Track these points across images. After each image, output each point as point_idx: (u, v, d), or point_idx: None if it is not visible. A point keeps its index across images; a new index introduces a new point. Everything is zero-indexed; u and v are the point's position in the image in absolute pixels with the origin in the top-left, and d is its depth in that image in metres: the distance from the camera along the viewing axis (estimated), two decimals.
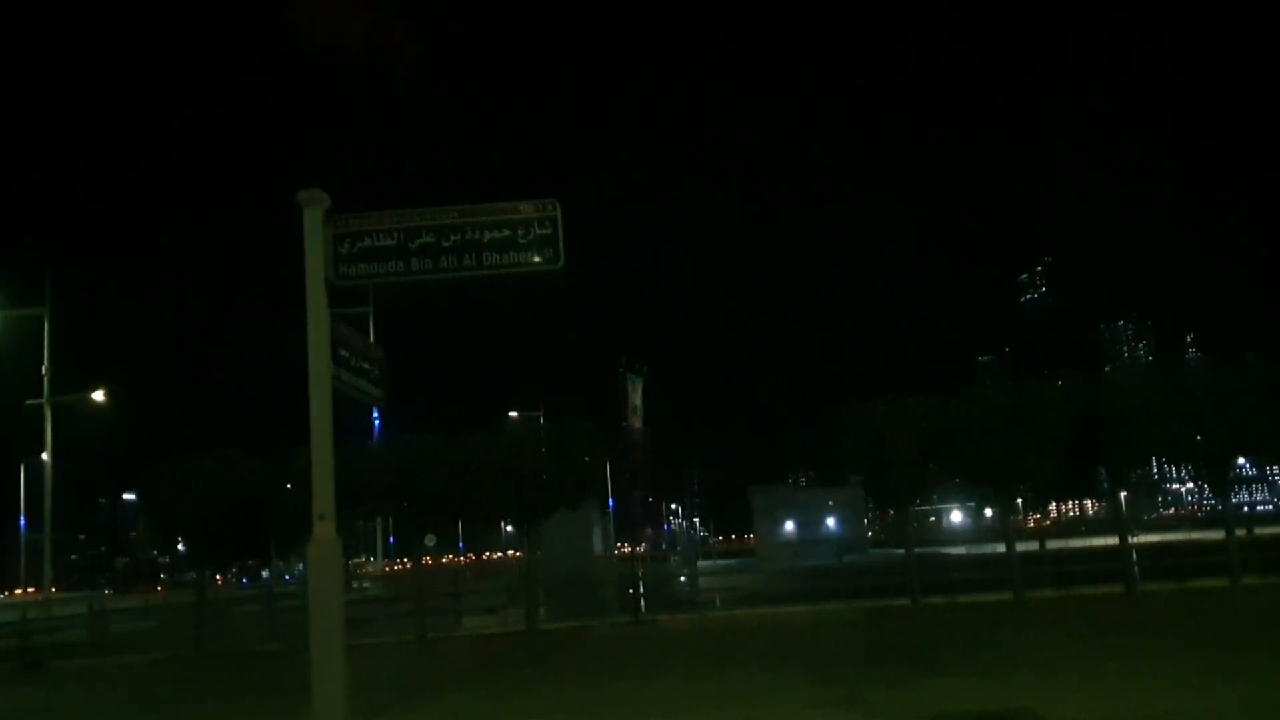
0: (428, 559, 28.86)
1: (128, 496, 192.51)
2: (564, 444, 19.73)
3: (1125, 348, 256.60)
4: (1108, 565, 19.10)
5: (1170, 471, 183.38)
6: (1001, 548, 19.26)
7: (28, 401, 34.58)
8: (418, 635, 19.17)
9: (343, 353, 10.81)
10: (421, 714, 10.70)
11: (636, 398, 27.56)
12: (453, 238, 10.72)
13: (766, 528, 64.13)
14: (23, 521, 50.99)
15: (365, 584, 42.28)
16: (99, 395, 36.76)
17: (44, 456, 34.97)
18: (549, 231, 10.70)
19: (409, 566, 42.49)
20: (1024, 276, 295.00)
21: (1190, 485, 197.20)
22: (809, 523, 62.33)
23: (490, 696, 11.64)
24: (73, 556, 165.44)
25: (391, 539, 44.81)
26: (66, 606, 35.56)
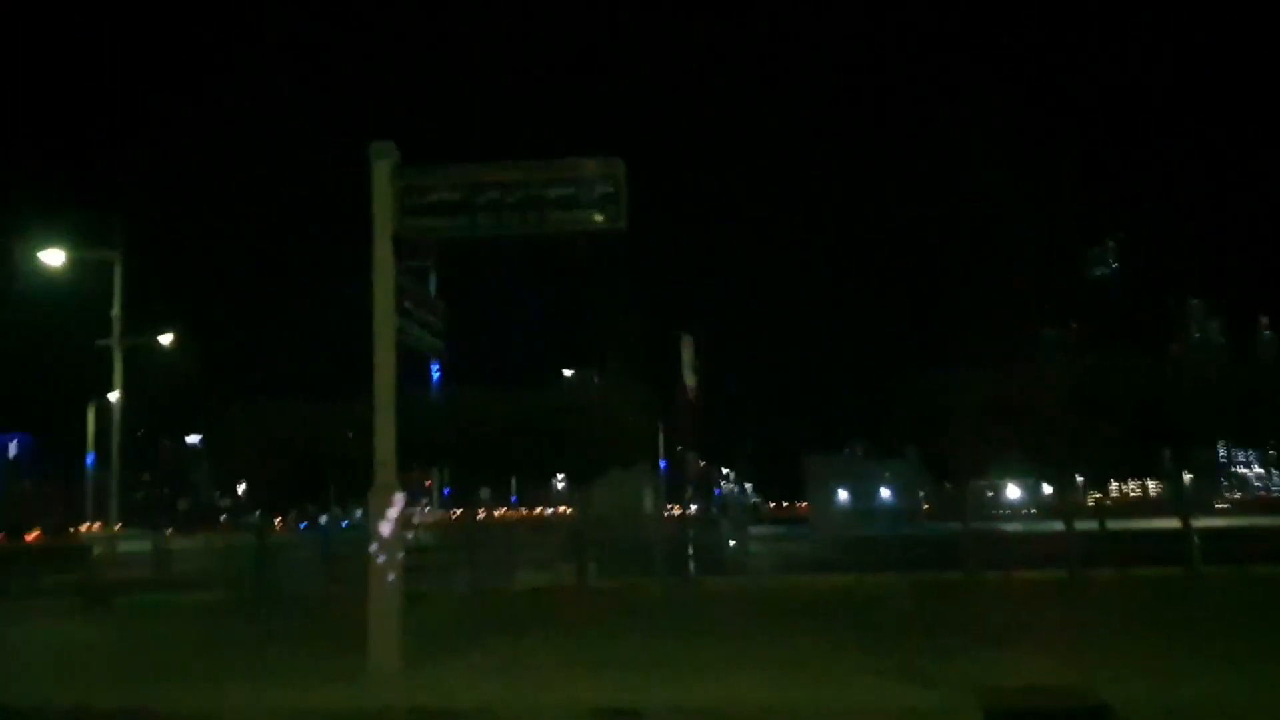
0: (481, 511, 29.21)
1: (191, 439, 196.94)
2: (618, 403, 19.77)
3: (1195, 326, 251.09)
4: (1168, 547, 18.78)
5: (1237, 455, 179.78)
6: (1059, 525, 19.02)
7: (98, 343, 35.33)
8: (471, 586, 19.41)
9: (407, 305, 10.92)
10: (474, 661, 10.85)
11: (691, 360, 27.60)
12: (517, 194, 10.76)
13: (820, 496, 64.02)
14: (90, 459, 52.35)
15: (420, 533, 42.91)
16: (167, 339, 37.50)
17: (112, 397, 35.78)
18: (612, 190, 10.70)
19: (462, 517, 43.04)
20: (1095, 250, 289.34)
21: (1258, 469, 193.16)
22: (863, 493, 62.11)
23: (542, 648, 11.77)
24: (137, 495, 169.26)
25: (446, 490, 45.44)
26: (130, 544, 36.53)
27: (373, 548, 10.46)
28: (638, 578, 20.43)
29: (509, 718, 8.40)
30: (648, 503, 30.47)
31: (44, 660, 12.93)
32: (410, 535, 33.13)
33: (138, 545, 36.80)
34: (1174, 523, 18.60)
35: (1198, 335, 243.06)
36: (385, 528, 10.49)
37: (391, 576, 10.37)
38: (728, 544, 33.12)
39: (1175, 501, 19.58)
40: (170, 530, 75.47)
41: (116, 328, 34.05)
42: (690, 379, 29.45)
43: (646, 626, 13.69)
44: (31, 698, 9.77)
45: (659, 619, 14.62)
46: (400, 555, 10.67)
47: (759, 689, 8.78)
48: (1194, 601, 14.81)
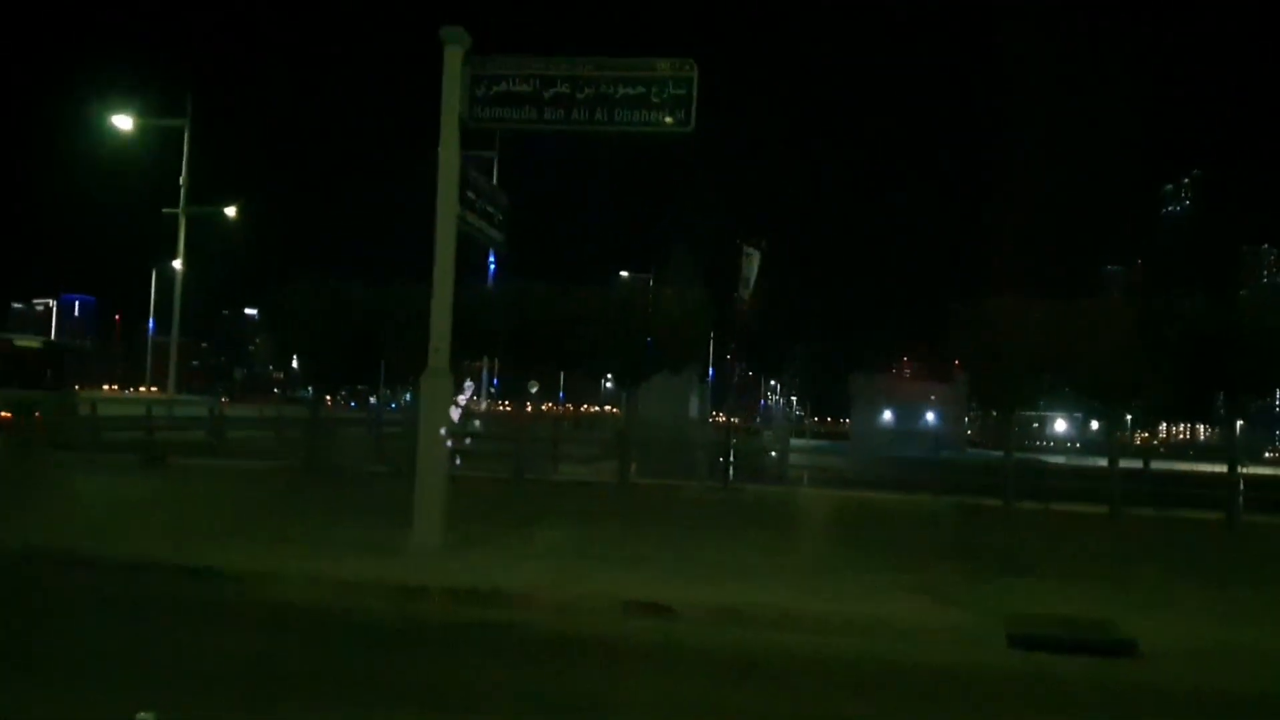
0: (529, 404, 29.62)
1: (249, 311, 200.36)
2: (671, 306, 19.81)
3: (1265, 273, 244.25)
4: (1212, 492, 18.67)
5: None
6: (1103, 462, 18.95)
7: (164, 209, 35.86)
8: (515, 474, 19.80)
9: (470, 194, 10.99)
10: (514, 547, 11.14)
11: (751, 271, 27.53)
12: (587, 90, 10.71)
13: (863, 414, 64.01)
14: (151, 324, 53.60)
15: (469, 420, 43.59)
16: (231, 210, 38.03)
17: (175, 264, 36.45)
18: (683, 92, 10.61)
19: (510, 409, 43.59)
20: (1169, 187, 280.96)
21: None
22: (908, 415, 61.98)
23: (580, 539, 12.04)
24: (194, 363, 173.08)
25: (496, 381, 45.99)
26: (187, 408, 37.53)
27: (422, 430, 10.72)
28: (678, 479, 20.72)
29: (544, 604, 8.67)
30: (693, 408, 30.71)
31: (104, 513, 13.46)
32: (476, 423, 33.76)
33: (194, 410, 37.72)
34: (1220, 468, 18.46)
35: (1266, 282, 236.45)
36: (436, 412, 10.72)
37: (438, 459, 10.64)
38: (768, 454, 33.32)
39: (1225, 447, 19.35)
40: (225, 398, 77.06)
41: (183, 196, 34.53)
42: (748, 291, 29.37)
43: (683, 527, 13.96)
44: (93, 547, 10.24)
45: (696, 521, 14.87)
46: (447, 439, 10.93)
47: (789, 596, 8.97)
48: (1232, 548, 14.77)
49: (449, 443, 11.09)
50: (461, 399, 34.13)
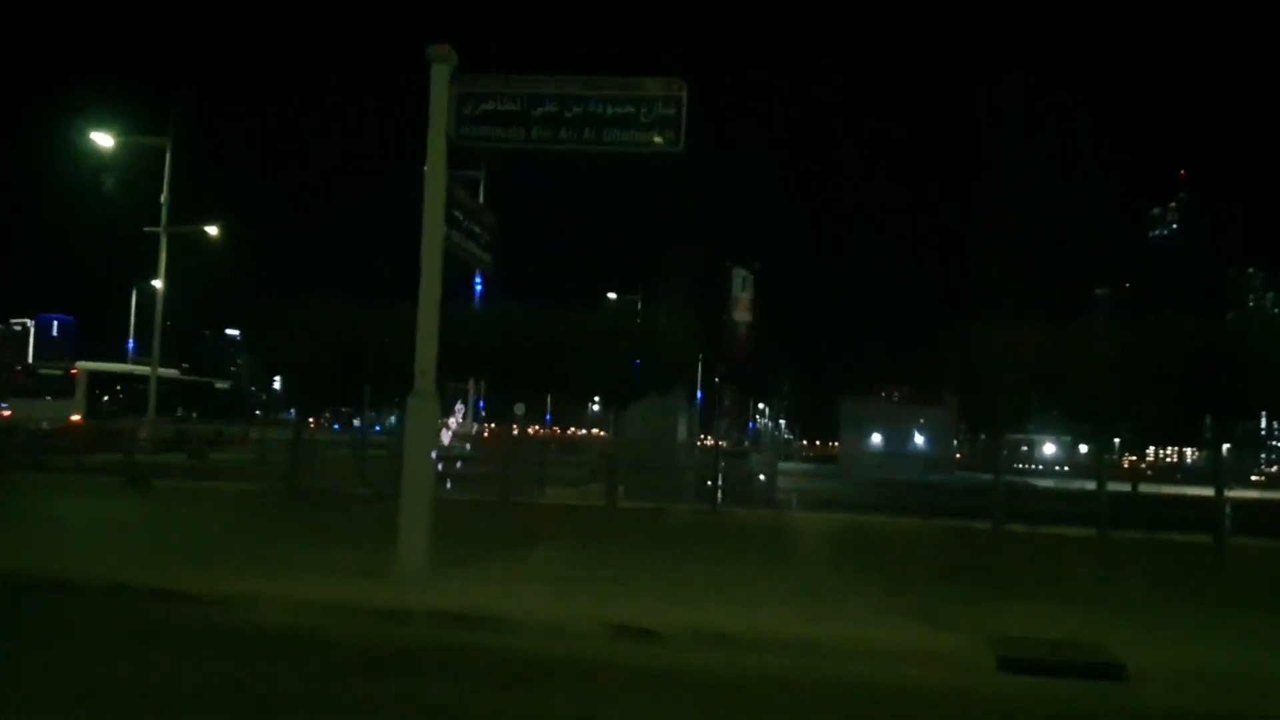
0: (515, 427, 29.44)
1: (230, 331, 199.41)
2: (661, 328, 19.74)
3: (1252, 296, 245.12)
4: (1199, 514, 18.63)
5: (1277, 428, 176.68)
6: (1091, 485, 18.90)
7: (145, 228, 35.56)
8: (501, 498, 19.65)
9: (457, 214, 10.90)
10: (500, 570, 11.02)
11: (743, 293, 27.50)
12: (575, 109, 10.62)
13: (853, 437, 63.96)
14: (131, 344, 53.20)
15: (458, 442, 43.39)
16: (213, 230, 37.81)
17: (156, 283, 36.18)
18: (673, 112, 10.52)
19: (496, 431, 43.45)
20: (1156, 210, 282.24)
21: None
22: (897, 437, 61.98)
23: (567, 562, 11.93)
24: None
25: (482, 403, 45.79)
26: (168, 430, 37.23)
27: (407, 452, 10.60)
28: (665, 503, 20.59)
29: (530, 628, 8.55)
30: (681, 431, 30.56)
31: (85, 537, 13.30)
32: (467, 445, 33.60)
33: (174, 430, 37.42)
34: (1207, 490, 18.43)
35: (1253, 305, 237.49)
36: (420, 434, 10.61)
37: (423, 481, 10.51)
38: (757, 477, 33.19)
39: (1212, 470, 19.32)
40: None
41: (164, 214, 34.28)
42: (743, 314, 29.35)
43: (671, 550, 13.85)
44: (73, 571, 10.07)
45: (684, 544, 14.76)
46: (434, 461, 10.81)
47: (778, 620, 8.87)
48: (1219, 570, 14.73)
49: (440, 466, 10.99)
50: (453, 421, 33.97)
